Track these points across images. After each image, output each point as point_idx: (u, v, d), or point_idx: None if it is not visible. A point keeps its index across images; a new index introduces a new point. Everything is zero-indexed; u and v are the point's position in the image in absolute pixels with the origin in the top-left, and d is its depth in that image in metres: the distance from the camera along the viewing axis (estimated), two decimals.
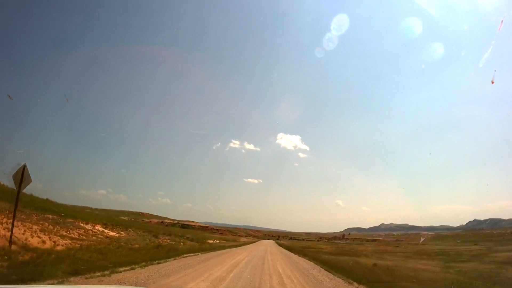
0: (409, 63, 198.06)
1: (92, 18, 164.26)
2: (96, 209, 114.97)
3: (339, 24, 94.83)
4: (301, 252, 31.04)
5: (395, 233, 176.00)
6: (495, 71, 37.45)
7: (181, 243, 30.26)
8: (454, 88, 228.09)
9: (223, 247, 31.27)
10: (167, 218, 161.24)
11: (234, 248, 32.02)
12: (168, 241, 30.58)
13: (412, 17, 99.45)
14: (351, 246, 75.55)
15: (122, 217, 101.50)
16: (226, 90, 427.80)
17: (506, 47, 64.10)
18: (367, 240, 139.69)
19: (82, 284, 7.17)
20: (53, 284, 6.66)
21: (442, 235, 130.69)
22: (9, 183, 11.95)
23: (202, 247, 26.30)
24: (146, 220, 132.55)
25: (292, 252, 32.54)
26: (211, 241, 46.53)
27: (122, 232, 29.70)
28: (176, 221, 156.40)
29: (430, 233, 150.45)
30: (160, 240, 28.95)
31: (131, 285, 7.56)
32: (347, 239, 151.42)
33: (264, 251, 28.89)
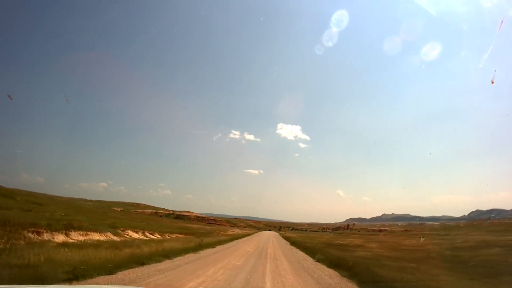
0: (408, 62, 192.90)
1: (91, 18, 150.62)
2: (90, 201, 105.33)
3: (339, 18, 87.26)
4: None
5: (399, 223, 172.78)
6: (495, 71, 34.85)
7: None
8: (453, 82, 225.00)
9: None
10: (161, 209, 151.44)
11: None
12: None
13: (411, 17, 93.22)
14: (378, 239, 67.94)
15: (115, 208, 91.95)
16: (227, 82, 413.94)
17: (506, 47, 64.67)
18: (373, 231, 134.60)
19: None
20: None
21: (450, 225, 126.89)
22: None
23: None
24: (140, 210, 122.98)
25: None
26: (130, 235, 22.87)
27: None
28: (171, 212, 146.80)
29: (435, 223, 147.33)
30: None
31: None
32: (352, 229, 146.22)
33: None
